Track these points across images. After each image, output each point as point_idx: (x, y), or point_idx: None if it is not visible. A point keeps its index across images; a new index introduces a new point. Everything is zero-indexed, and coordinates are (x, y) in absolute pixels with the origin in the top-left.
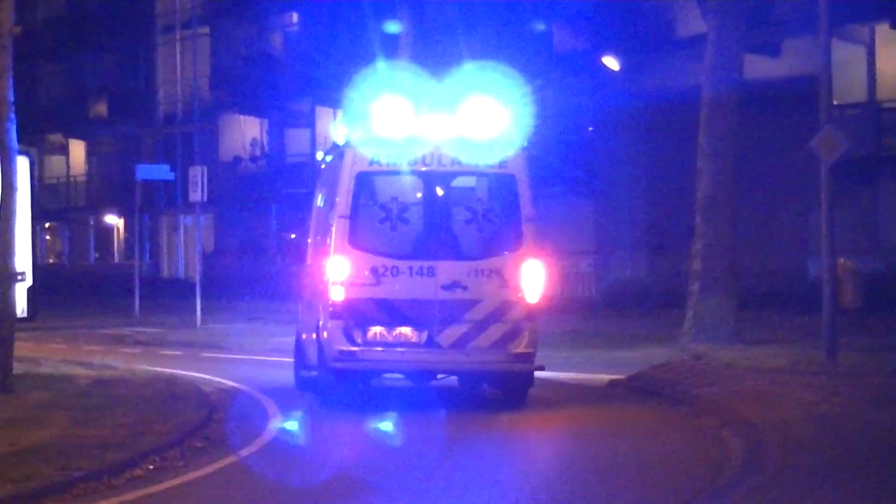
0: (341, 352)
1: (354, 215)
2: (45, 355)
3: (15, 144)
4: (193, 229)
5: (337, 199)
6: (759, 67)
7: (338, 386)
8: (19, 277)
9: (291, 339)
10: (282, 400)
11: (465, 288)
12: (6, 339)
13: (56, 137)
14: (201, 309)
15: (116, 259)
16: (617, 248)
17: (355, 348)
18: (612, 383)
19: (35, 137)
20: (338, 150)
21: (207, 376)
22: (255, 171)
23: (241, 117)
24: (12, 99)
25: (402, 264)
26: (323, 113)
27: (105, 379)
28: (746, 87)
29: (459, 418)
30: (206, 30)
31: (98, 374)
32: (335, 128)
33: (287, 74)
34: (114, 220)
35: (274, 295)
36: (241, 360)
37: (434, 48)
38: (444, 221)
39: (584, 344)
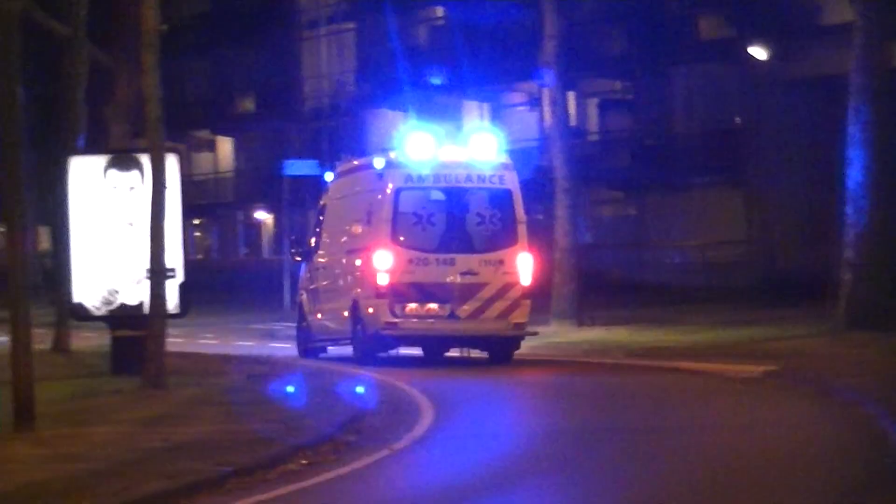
0: (387, 323)
1: (395, 220)
2: (196, 351)
3: (163, 142)
4: None
5: (381, 209)
6: None
7: (376, 348)
8: (170, 274)
9: None
10: (431, 393)
11: (476, 274)
12: (158, 335)
13: (203, 134)
14: None
15: (265, 254)
16: (766, 237)
17: (397, 320)
18: (766, 374)
19: (183, 134)
20: (378, 171)
21: (360, 371)
22: None
23: (388, 111)
24: (160, 96)
25: (430, 256)
26: (469, 107)
27: (256, 374)
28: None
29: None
30: (352, 24)
31: (249, 369)
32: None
33: (433, 68)
34: (262, 215)
35: None
36: (390, 355)
37: (580, 39)
38: (460, 224)
39: (735, 334)
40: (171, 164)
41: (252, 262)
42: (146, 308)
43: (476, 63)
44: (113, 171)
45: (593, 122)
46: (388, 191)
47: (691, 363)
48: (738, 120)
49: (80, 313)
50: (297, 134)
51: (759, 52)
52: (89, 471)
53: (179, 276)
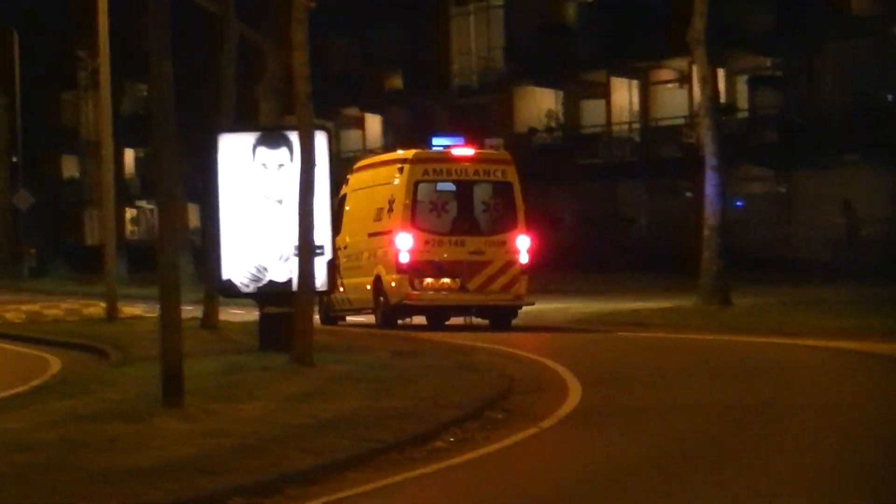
0: (407, 294)
1: (413, 207)
2: (342, 328)
3: (313, 119)
4: None
5: (401, 198)
6: None
7: (396, 316)
8: (318, 251)
9: (590, 310)
10: (581, 371)
11: (482, 253)
12: (306, 312)
13: (351, 111)
14: None
15: None
16: None
17: (416, 292)
18: None
19: (331, 111)
20: (399, 166)
21: (506, 348)
22: (550, 143)
23: (536, 89)
24: (309, 73)
25: (444, 238)
26: (618, 84)
27: (402, 351)
28: None
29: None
30: (500, 1)
31: (395, 345)
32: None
33: (581, 45)
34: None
35: (570, 267)
36: (537, 329)
37: (729, 15)
38: (469, 211)
39: (882, 313)
40: (321, 141)
41: None
42: (294, 285)
43: (624, 40)
44: (262, 149)
45: (742, 98)
46: (408, 182)
47: (840, 342)
48: (889, 97)
49: (229, 290)
50: (445, 111)
51: None
52: (236, 447)
53: (328, 254)
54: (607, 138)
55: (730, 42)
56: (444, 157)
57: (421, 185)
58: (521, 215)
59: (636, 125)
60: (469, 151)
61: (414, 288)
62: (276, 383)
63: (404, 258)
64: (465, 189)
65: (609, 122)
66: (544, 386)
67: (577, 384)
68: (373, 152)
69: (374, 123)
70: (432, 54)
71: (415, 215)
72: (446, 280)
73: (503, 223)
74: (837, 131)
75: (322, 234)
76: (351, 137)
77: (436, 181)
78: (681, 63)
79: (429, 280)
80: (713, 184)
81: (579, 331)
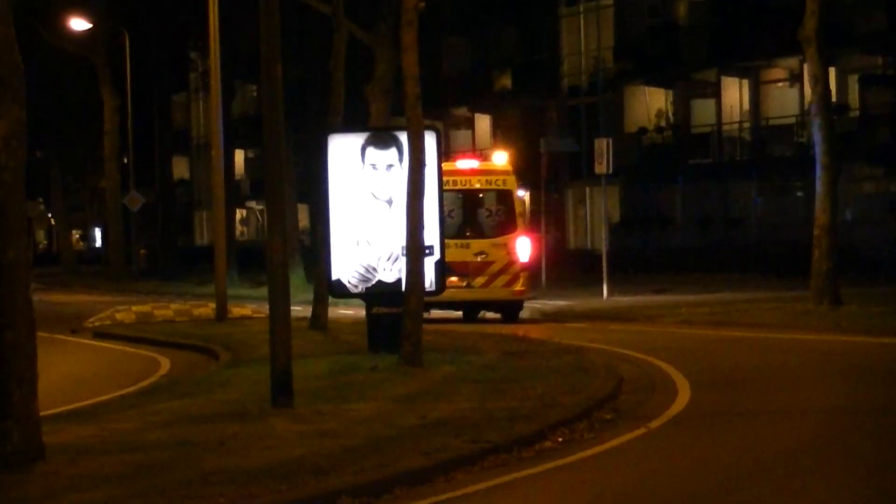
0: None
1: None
2: (450, 329)
3: (421, 119)
4: (599, 201)
5: None
6: None
7: None
8: (428, 251)
9: (700, 310)
10: (690, 371)
11: (486, 254)
12: (416, 312)
13: (461, 111)
14: (608, 281)
15: None
16: None
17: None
18: None
19: (441, 112)
20: None
21: (615, 348)
22: (661, 143)
23: (646, 88)
24: (419, 74)
25: (452, 241)
26: (729, 83)
27: (511, 351)
28: None
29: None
30: (610, 1)
31: (505, 346)
32: None
33: (691, 44)
34: (520, 193)
35: (681, 267)
36: (648, 331)
37: (841, 14)
38: (474, 217)
39: None
40: (430, 141)
41: None
42: (403, 286)
43: (735, 39)
44: (371, 149)
45: (853, 97)
46: None
47: None
48: None
49: (338, 290)
50: (555, 111)
51: None
52: (347, 447)
53: (437, 254)
54: (718, 138)
55: (841, 41)
56: (452, 171)
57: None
58: (520, 220)
59: (747, 124)
60: (474, 164)
61: None
62: (386, 384)
63: None
64: (471, 197)
65: (720, 122)
66: (654, 386)
67: (687, 385)
68: (482, 152)
69: (483, 123)
70: (542, 54)
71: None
72: (454, 278)
73: (504, 227)
74: None
75: (431, 234)
76: (460, 137)
77: (446, 191)
78: (792, 62)
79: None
80: (824, 182)
81: (689, 330)
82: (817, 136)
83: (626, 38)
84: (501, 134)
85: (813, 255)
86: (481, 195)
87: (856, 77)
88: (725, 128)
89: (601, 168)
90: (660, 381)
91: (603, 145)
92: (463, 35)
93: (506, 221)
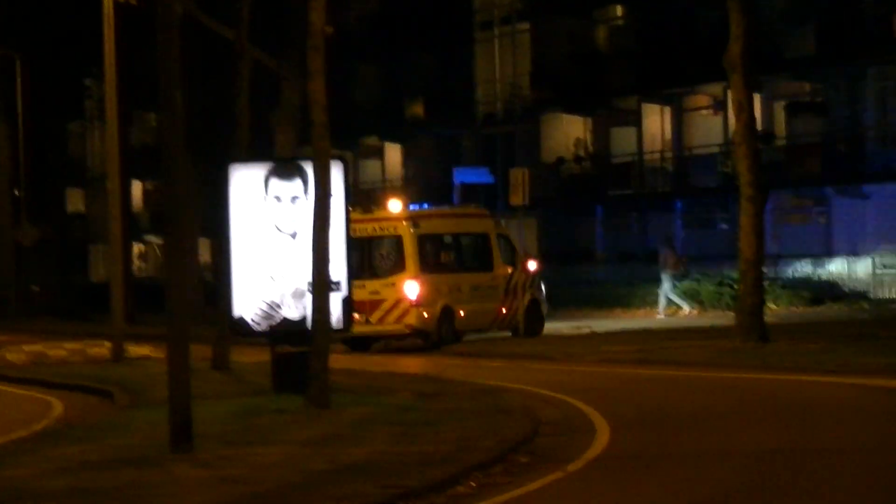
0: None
1: None
2: (363, 367)
3: (328, 149)
4: (515, 234)
5: None
6: None
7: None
8: (334, 287)
9: (623, 348)
10: (610, 412)
11: (378, 293)
12: (321, 350)
13: (371, 140)
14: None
15: None
16: None
17: None
18: None
19: (350, 141)
20: None
21: (533, 388)
22: (579, 173)
23: (564, 116)
24: (326, 101)
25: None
26: (650, 111)
27: (426, 392)
28: None
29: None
30: (526, 25)
31: (419, 387)
32: None
33: (612, 70)
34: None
35: (602, 302)
36: (566, 370)
37: (767, 39)
38: (369, 260)
39: None
40: (337, 172)
41: None
42: (309, 323)
43: (657, 65)
44: (275, 180)
45: (780, 125)
46: None
47: (884, 379)
48: None
49: (241, 328)
50: (469, 140)
51: None
52: (252, 494)
53: (344, 290)
54: (639, 168)
55: (767, 67)
56: (358, 218)
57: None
58: (409, 261)
59: (669, 154)
60: (372, 212)
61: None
62: (293, 427)
63: None
64: (368, 243)
65: (641, 151)
66: (573, 428)
67: (607, 426)
68: (391, 183)
69: (394, 153)
70: (456, 81)
71: None
72: (356, 315)
73: (394, 268)
74: (882, 159)
75: (338, 269)
76: (370, 168)
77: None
78: (716, 88)
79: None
80: (749, 214)
81: (610, 369)
82: (742, 166)
83: (544, 64)
84: (413, 164)
85: (738, 290)
86: (376, 241)
87: (783, 104)
88: (647, 157)
89: (517, 199)
90: (579, 423)
91: (519, 176)
92: (374, 62)
93: (396, 263)
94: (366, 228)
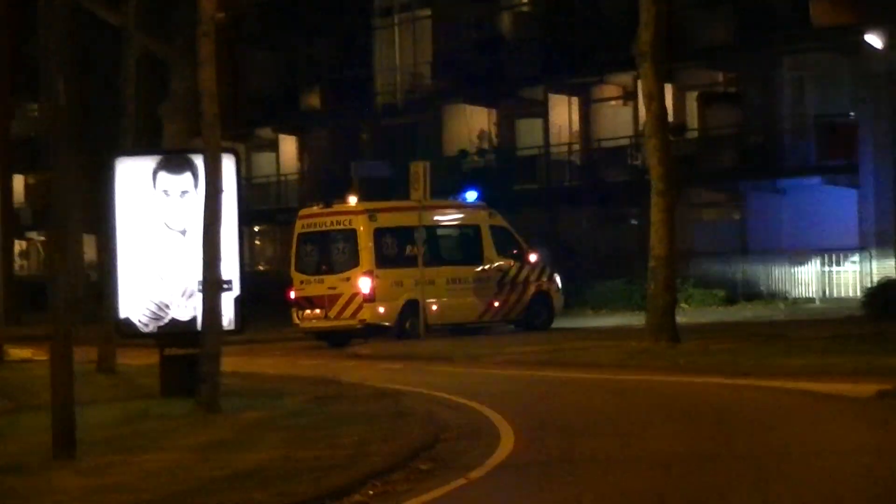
0: (296, 323)
1: (297, 254)
2: (257, 371)
3: (220, 141)
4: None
5: (293, 247)
6: None
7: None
8: (226, 286)
9: (529, 349)
10: (515, 416)
11: (335, 288)
12: (213, 353)
13: (265, 132)
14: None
15: None
16: (883, 244)
17: (299, 321)
18: (882, 393)
19: (243, 133)
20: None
21: (434, 392)
22: (483, 166)
23: (467, 107)
24: (217, 91)
25: (311, 278)
26: (557, 101)
27: (323, 396)
28: None
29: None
30: (428, 11)
31: (315, 390)
32: None
33: (517, 59)
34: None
35: None
36: (469, 372)
37: (679, 27)
38: (327, 255)
39: (845, 350)
40: (228, 165)
41: None
42: (199, 324)
43: (565, 53)
44: (163, 174)
45: (693, 117)
46: (295, 235)
47: (797, 382)
48: (852, 115)
49: (127, 330)
50: (368, 132)
51: (875, 41)
52: (138, 502)
53: (236, 289)
54: (545, 161)
55: (680, 55)
56: (317, 213)
57: (299, 236)
58: (364, 255)
59: (577, 147)
60: (331, 207)
61: (299, 318)
62: (182, 432)
63: (292, 295)
64: (325, 238)
65: (548, 144)
66: (476, 433)
67: (511, 431)
68: (286, 177)
69: (289, 145)
70: (354, 70)
71: (297, 260)
72: (317, 311)
73: (350, 263)
74: (797, 152)
75: (230, 267)
76: (264, 161)
77: (309, 233)
78: (625, 78)
79: (307, 311)
80: (660, 209)
81: (516, 372)
82: (652, 159)
83: (446, 52)
84: (310, 157)
85: (648, 288)
86: (333, 236)
87: (695, 94)
88: (554, 150)
89: (417, 195)
90: (482, 428)
91: (419, 169)
92: (268, 49)
93: (351, 258)
94: (325, 223)
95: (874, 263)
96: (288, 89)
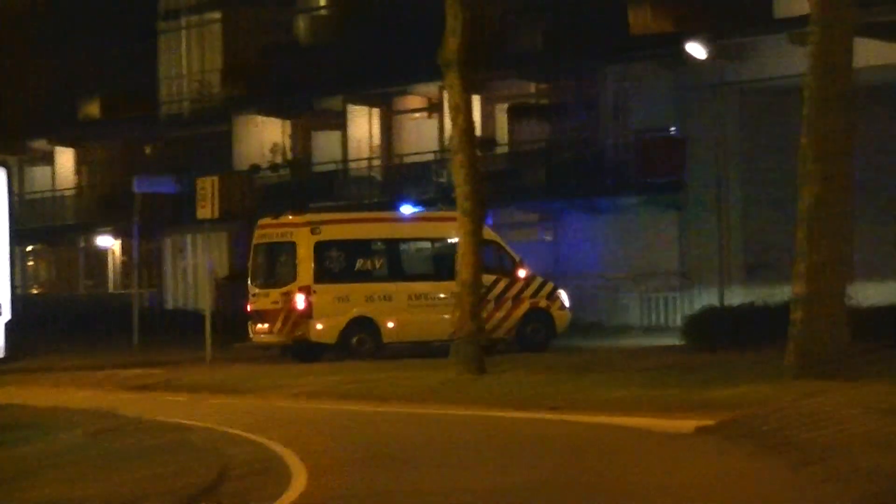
0: (251, 337)
1: (253, 264)
2: (29, 401)
3: None
4: (204, 251)
5: (249, 257)
6: (875, 53)
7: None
8: None
9: (325, 380)
10: (308, 452)
11: (277, 302)
12: None
13: (39, 144)
14: (213, 345)
15: (111, 287)
16: (706, 269)
17: (253, 335)
18: (701, 430)
19: (16, 144)
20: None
21: (221, 427)
22: (278, 182)
23: (260, 118)
24: None
25: (259, 290)
26: (357, 113)
27: (101, 429)
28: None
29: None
30: (218, 15)
31: (93, 423)
32: None
33: (314, 67)
34: (108, 241)
35: None
36: (258, 406)
37: (488, 35)
38: (272, 266)
39: (664, 382)
40: None
41: (97, 297)
42: None
43: (365, 61)
44: None
45: (503, 131)
46: (252, 245)
47: (613, 417)
48: (672, 130)
49: None
50: (152, 145)
51: (698, 50)
52: None
53: (6, 313)
54: (344, 177)
55: (489, 64)
56: (269, 224)
57: (254, 247)
58: (302, 268)
59: (377, 162)
60: (278, 219)
61: (253, 332)
62: None
63: (248, 307)
64: (271, 249)
65: (346, 158)
66: (265, 470)
67: (304, 468)
68: (62, 192)
69: (66, 158)
70: (137, 78)
71: (253, 270)
72: (265, 325)
73: (289, 276)
74: (615, 169)
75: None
76: (38, 175)
77: (260, 244)
78: (430, 89)
79: (258, 325)
80: (467, 231)
81: (309, 404)
82: (458, 176)
83: (237, 59)
84: (89, 171)
85: (453, 316)
86: (278, 247)
87: (505, 107)
88: (353, 165)
89: (205, 212)
90: (273, 465)
91: (208, 185)
92: (44, 54)
93: (291, 271)
94: (273, 234)
95: (697, 289)
96: (65, 98)
